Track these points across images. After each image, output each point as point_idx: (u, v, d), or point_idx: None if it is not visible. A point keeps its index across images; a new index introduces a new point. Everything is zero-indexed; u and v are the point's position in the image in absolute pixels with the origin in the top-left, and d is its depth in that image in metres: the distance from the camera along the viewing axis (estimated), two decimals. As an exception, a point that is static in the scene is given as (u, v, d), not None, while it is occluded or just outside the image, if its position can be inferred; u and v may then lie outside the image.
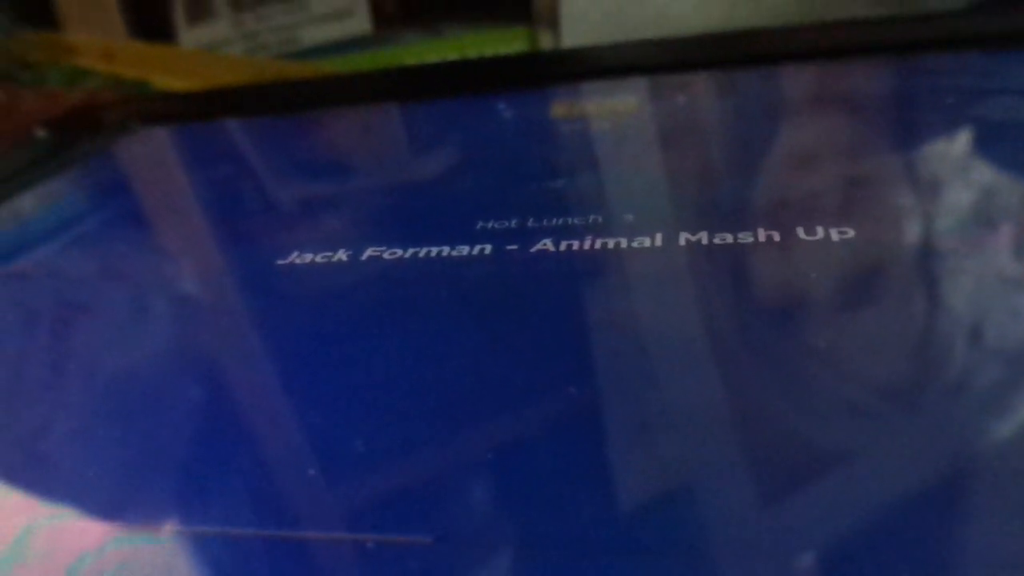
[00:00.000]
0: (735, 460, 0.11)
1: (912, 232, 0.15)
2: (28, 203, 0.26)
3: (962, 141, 0.19)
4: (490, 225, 0.18)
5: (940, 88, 0.22)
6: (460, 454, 0.11)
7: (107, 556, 0.10)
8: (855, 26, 0.26)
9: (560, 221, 0.17)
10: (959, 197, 0.16)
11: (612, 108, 0.24)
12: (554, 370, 0.13)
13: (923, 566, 0.08)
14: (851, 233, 0.15)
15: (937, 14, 0.29)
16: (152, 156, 0.29)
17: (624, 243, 0.16)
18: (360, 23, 0.45)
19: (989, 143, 0.19)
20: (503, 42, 0.40)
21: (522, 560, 0.09)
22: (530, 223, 0.18)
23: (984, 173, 0.17)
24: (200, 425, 0.13)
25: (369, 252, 0.17)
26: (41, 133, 0.31)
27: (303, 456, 0.11)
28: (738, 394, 0.12)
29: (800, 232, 0.15)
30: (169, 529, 0.11)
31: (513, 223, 0.18)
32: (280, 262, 0.18)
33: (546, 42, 0.39)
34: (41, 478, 0.12)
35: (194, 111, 0.32)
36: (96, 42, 0.40)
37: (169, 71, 0.39)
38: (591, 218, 0.17)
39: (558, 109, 0.25)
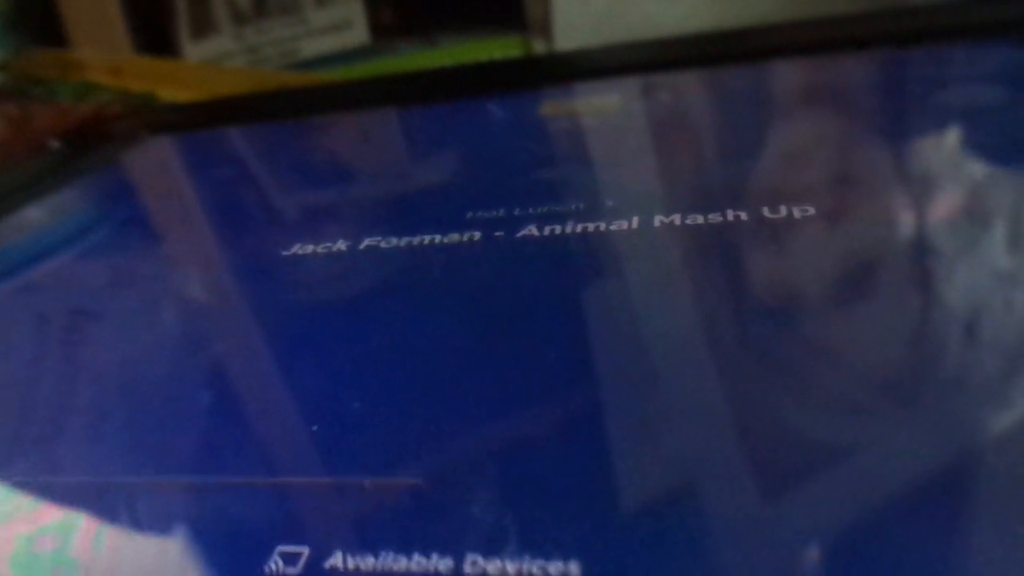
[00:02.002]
0: (716, 424, 0.12)
1: (867, 209, 0.16)
2: (45, 210, 0.27)
3: (931, 126, 0.20)
4: (479, 215, 0.19)
5: (913, 78, 0.24)
6: (449, 412, 0.12)
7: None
8: (835, 23, 0.27)
9: (544, 209, 0.19)
10: (927, 176, 0.18)
11: (597, 106, 0.25)
12: (537, 339, 0.14)
13: (920, 560, 0.08)
14: (812, 211, 0.16)
15: (913, 8, 0.30)
16: (161, 163, 0.30)
17: (603, 226, 0.17)
18: (358, 34, 0.47)
19: (956, 127, 0.20)
20: (498, 50, 0.41)
21: (505, 500, 0.10)
22: (516, 212, 0.19)
23: (951, 154, 0.18)
24: (218, 391, 0.14)
25: (367, 242, 0.19)
26: (54, 144, 0.33)
27: (308, 415, 0.13)
28: (711, 357, 0.13)
29: (765, 211, 0.17)
30: (200, 481, 0.12)
31: (501, 212, 0.19)
32: (284, 253, 0.19)
33: (540, 50, 0.40)
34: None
35: (199, 120, 0.33)
36: (104, 58, 0.41)
37: (174, 84, 0.40)
38: (573, 205, 0.19)
39: (547, 108, 0.27)
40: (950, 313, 0.13)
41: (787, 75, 0.25)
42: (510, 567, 0.09)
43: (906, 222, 0.16)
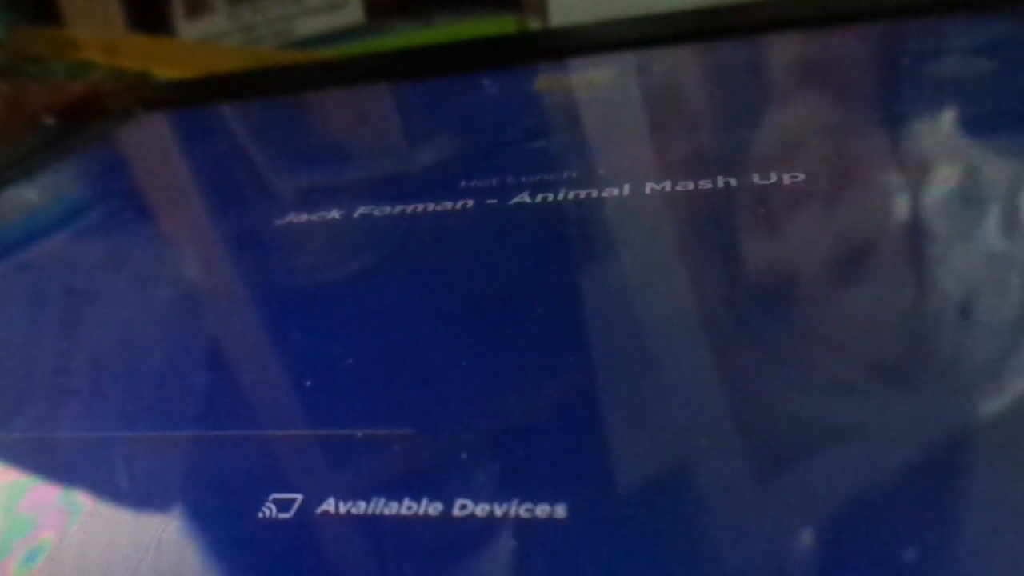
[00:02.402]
0: (705, 382, 0.12)
1: (858, 176, 0.16)
2: (39, 186, 0.27)
3: (923, 98, 0.20)
4: (472, 184, 0.19)
5: (906, 51, 0.24)
6: (441, 369, 0.13)
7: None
8: None
9: (537, 178, 0.19)
10: (919, 146, 0.18)
11: (590, 80, 0.26)
12: (528, 301, 0.14)
13: (913, 540, 0.08)
14: (801, 176, 0.16)
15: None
16: (155, 138, 0.30)
17: (595, 193, 0.17)
18: (353, 13, 0.46)
19: (948, 99, 0.20)
20: (493, 30, 0.41)
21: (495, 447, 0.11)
22: (509, 180, 0.19)
23: (942, 125, 0.18)
24: (215, 351, 0.14)
25: (360, 211, 0.19)
26: (48, 121, 0.33)
27: (302, 372, 0.13)
28: (700, 318, 0.13)
29: (755, 177, 0.17)
30: (196, 435, 0.12)
31: (494, 181, 0.19)
32: (278, 222, 0.19)
33: (535, 28, 0.40)
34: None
35: (193, 97, 0.33)
36: (98, 37, 0.41)
37: (169, 63, 0.40)
38: (565, 174, 0.19)
39: (541, 83, 0.27)
40: (940, 280, 0.13)
41: (780, 49, 0.25)
42: (498, 510, 0.10)
43: (897, 190, 0.16)
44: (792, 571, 0.08)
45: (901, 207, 0.16)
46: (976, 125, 0.18)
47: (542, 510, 0.09)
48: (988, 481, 0.09)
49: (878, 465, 0.09)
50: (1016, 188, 0.15)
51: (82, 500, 0.11)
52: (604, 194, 0.17)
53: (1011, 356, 0.11)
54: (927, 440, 0.10)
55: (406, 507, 0.10)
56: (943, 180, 0.16)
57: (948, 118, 0.18)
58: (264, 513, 0.10)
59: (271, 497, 0.10)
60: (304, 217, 0.19)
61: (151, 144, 0.30)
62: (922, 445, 0.10)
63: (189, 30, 0.44)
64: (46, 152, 0.30)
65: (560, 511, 0.09)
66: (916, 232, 0.15)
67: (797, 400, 0.11)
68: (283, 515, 0.10)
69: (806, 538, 0.09)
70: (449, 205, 0.18)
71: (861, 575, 0.08)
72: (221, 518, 0.10)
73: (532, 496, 0.10)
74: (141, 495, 0.11)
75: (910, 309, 0.13)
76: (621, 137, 0.21)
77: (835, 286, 0.14)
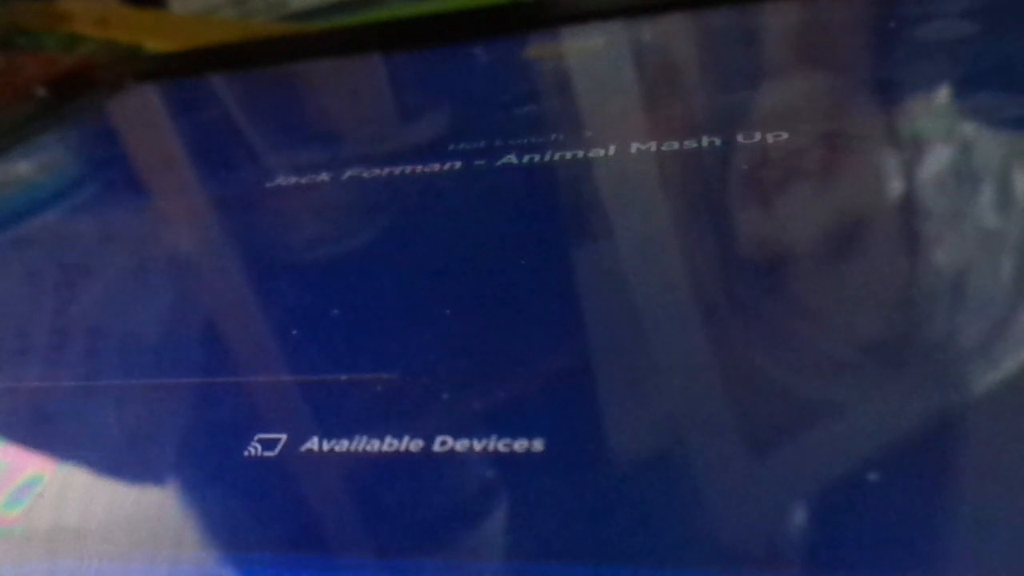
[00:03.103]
0: (690, 328, 0.12)
1: (834, 133, 0.17)
2: (31, 155, 0.27)
3: (911, 61, 0.20)
4: (460, 147, 0.19)
5: (885, 16, 0.24)
6: (426, 319, 0.13)
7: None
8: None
9: (525, 140, 0.19)
10: (906, 107, 0.18)
11: (581, 48, 0.26)
12: (512, 256, 0.14)
13: (903, 517, 0.08)
14: (785, 135, 0.17)
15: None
16: (146, 109, 0.30)
17: (581, 154, 0.18)
18: (346, -13, 0.46)
19: (922, 61, 0.20)
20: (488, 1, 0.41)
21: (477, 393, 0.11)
22: (497, 143, 0.19)
23: (914, 86, 0.19)
24: (207, 302, 0.14)
25: (349, 173, 0.19)
26: (40, 92, 0.33)
27: (288, 322, 0.13)
28: (684, 271, 0.14)
29: (740, 137, 0.17)
30: (184, 381, 0.12)
31: (482, 144, 0.19)
32: (267, 185, 0.19)
33: None
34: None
35: (184, 68, 0.33)
36: (90, 9, 0.41)
37: (161, 36, 0.40)
38: (553, 136, 0.19)
39: (531, 51, 0.27)
40: (925, 238, 0.14)
41: (768, 16, 0.25)
42: (477, 446, 0.10)
43: (880, 149, 0.16)
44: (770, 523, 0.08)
45: (885, 166, 0.16)
46: (960, 87, 0.18)
47: (520, 445, 0.10)
48: (980, 458, 0.09)
49: (867, 441, 0.09)
50: (996, 147, 0.16)
51: (76, 441, 0.11)
52: (590, 154, 0.17)
53: (1001, 325, 0.11)
54: (919, 416, 0.09)
55: (388, 444, 0.10)
56: (927, 141, 0.16)
57: (931, 80, 0.18)
58: (249, 452, 0.10)
59: (256, 437, 0.11)
60: (293, 180, 0.19)
61: (142, 115, 0.30)
62: (914, 421, 0.09)
63: (180, 3, 0.44)
64: (37, 123, 0.30)
65: (537, 445, 0.10)
66: (901, 191, 0.15)
67: (772, 348, 0.11)
68: (268, 453, 0.10)
69: (784, 495, 0.09)
70: (437, 167, 0.18)
71: (849, 549, 0.08)
72: (208, 457, 0.11)
73: (510, 432, 0.10)
74: (131, 437, 0.11)
75: (890, 265, 0.13)
76: (609, 101, 0.21)
77: (820, 244, 0.14)
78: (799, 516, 0.08)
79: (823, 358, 0.11)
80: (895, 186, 0.15)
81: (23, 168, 0.27)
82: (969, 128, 0.16)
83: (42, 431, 0.12)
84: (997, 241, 0.13)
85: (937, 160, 0.16)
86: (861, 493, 0.08)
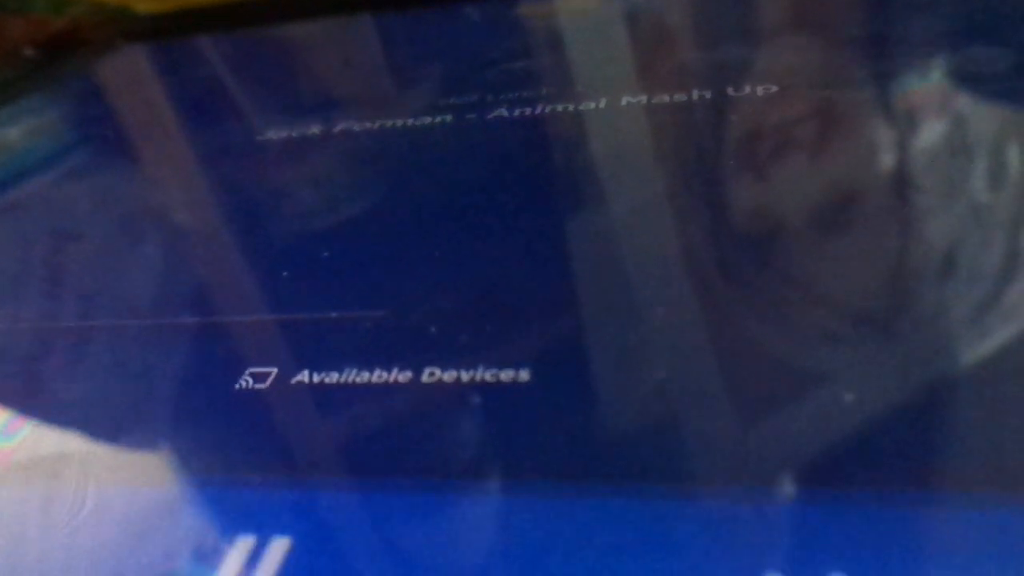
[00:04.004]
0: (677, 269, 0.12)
1: (822, 85, 0.17)
2: (19, 117, 0.27)
3: (889, 15, 0.20)
4: (451, 101, 0.19)
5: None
6: (415, 262, 0.13)
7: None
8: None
9: (516, 94, 0.19)
10: (881, 58, 0.18)
11: (576, 6, 0.26)
12: (500, 204, 0.14)
13: (892, 488, 0.08)
14: (775, 89, 0.17)
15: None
16: (135, 70, 0.30)
17: (571, 107, 0.18)
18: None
19: (913, 13, 0.20)
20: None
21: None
22: (488, 97, 0.19)
23: (904, 40, 0.19)
24: (202, 247, 0.14)
25: (340, 126, 0.19)
26: (29, 53, 0.32)
27: (282, 264, 0.13)
28: (668, 217, 0.14)
29: (729, 90, 0.17)
30: (176, 321, 0.12)
31: (474, 98, 0.19)
32: (259, 138, 0.19)
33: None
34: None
35: (174, 29, 0.33)
36: (78, -29, 0.41)
37: (151, -2, 0.39)
38: (544, 90, 0.19)
39: (525, 9, 0.27)
40: (910, 186, 0.14)
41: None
42: (465, 376, 0.10)
43: (869, 101, 0.17)
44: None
45: (875, 118, 0.16)
46: (951, 40, 0.18)
47: (506, 375, 0.10)
48: (969, 427, 0.09)
49: (857, 411, 0.09)
50: (986, 101, 0.16)
51: (74, 376, 0.11)
52: (581, 107, 0.18)
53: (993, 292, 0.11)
54: (909, 388, 0.09)
55: (377, 376, 0.10)
56: (917, 94, 0.16)
57: (921, 34, 0.18)
58: (241, 384, 0.11)
59: (248, 371, 0.11)
60: (284, 133, 0.19)
61: (132, 75, 0.30)
62: (904, 392, 0.09)
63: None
64: (27, 83, 0.30)
65: (524, 375, 0.10)
66: (891, 144, 0.15)
67: (754, 285, 0.11)
68: (259, 385, 0.10)
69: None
70: (428, 120, 0.18)
71: (838, 516, 0.08)
72: (200, 389, 0.11)
73: (497, 363, 0.10)
74: (125, 373, 0.11)
75: (881, 215, 0.13)
76: (600, 57, 0.21)
77: (809, 195, 0.14)
78: (767, 430, 0.08)
79: (804, 298, 0.11)
80: (885, 139, 0.15)
81: (12, 130, 0.27)
82: (959, 81, 0.16)
83: (41, 366, 0.12)
84: (988, 197, 0.13)
85: (926, 113, 0.16)
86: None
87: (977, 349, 0.10)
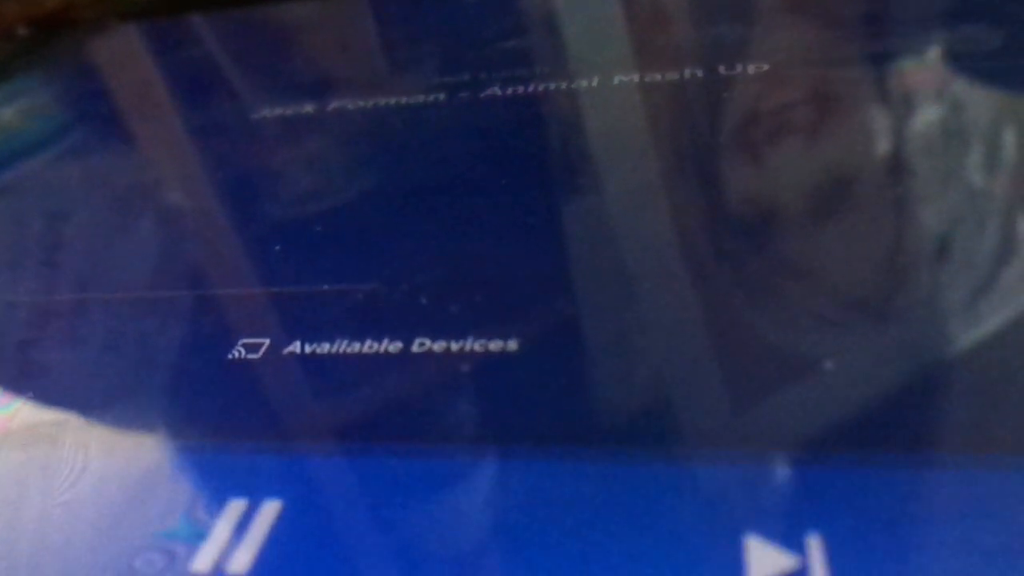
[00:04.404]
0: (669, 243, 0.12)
1: (813, 63, 0.17)
2: (17, 93, 0.27)
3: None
4: (445, 79, 0.19)
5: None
6: (407, 235, 0.13)
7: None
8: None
9: (509, 73, 0.19)
10: (873, 35, 0.18)
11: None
12: (491, 176, 0.14)
13: (886, 470, 0.08)
14: (766, 67, 0.17)
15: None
16: (129, 48, 0.30)
17: (564, 85, 0.18)
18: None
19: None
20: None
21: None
22: (481, 75, 0.19)
23: (897, 16, 0.19)
24: (196, 222, 0.15)
25: (334, 104, 0.19)
26: (22, 32, 0.32)
27: (274, 238, 0.13)
28: (658, 193, 0.14)
29: (721, 69, 0.17)
30: (169, 295, 0.12)
31: (466, 76, 0.19)
32: (253, 116, 0.19)
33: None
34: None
35: (167, 8, 0.33)
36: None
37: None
38: (537, 68, 0.19)
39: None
40: (898, 156, 0.14)
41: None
42: (454, 346, 0.10)
43: (861, 77, 0.17)
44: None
45: (867, 96, 0.16)
46: (944, 19, 0.18)
47: (495, 345, 0.10)
48: (946, 394, 0.09)
49: (836, 380, 0.09)
50: (980, 77, 0.16)
51: (70, 347, 0.12)
52: (573, 86, 0.18)
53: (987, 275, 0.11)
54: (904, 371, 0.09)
55: (368, 346, 0.10)
56: (909, 71, 0.16)
57: (914, 11, 0.19)
58: (233, 355, 0.11)
59: (240, 342, 0.11)
60: (279, 111, 0.19)
61: (125, 54, 0.30)
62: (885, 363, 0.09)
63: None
64: (20, 62, 0.30)
65: (512, 345, 0.10)
66: (883, 121, 0.15)
67: (741, 259, 0.11)
68: (251, 356, 0.11)
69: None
70: (421, 98, 0.18)
71: (816, 480, 0.08)
72: (193, 360, 0.11)
73: (486, 333, 0.10)
74: (121, 344, 0.12)
75: (873, 189, 0.13)
76: (593, 35, 0.21)
77: (800, 173, 0.14)
78: (748, 397, 0.09)
79: (788, 270, 0.11)
80: (877, 117, 0.15)
81: (6, 111, 0.27)
82: (952, 60, 0.17)
83: (38, 338, 0.12)
84: (982, 176, 0.13)
85: (920, 92, 0.16)
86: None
87: (966, 330, 0.10)
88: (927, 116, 0.15)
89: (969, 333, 0.10)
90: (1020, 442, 0.08)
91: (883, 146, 0.14)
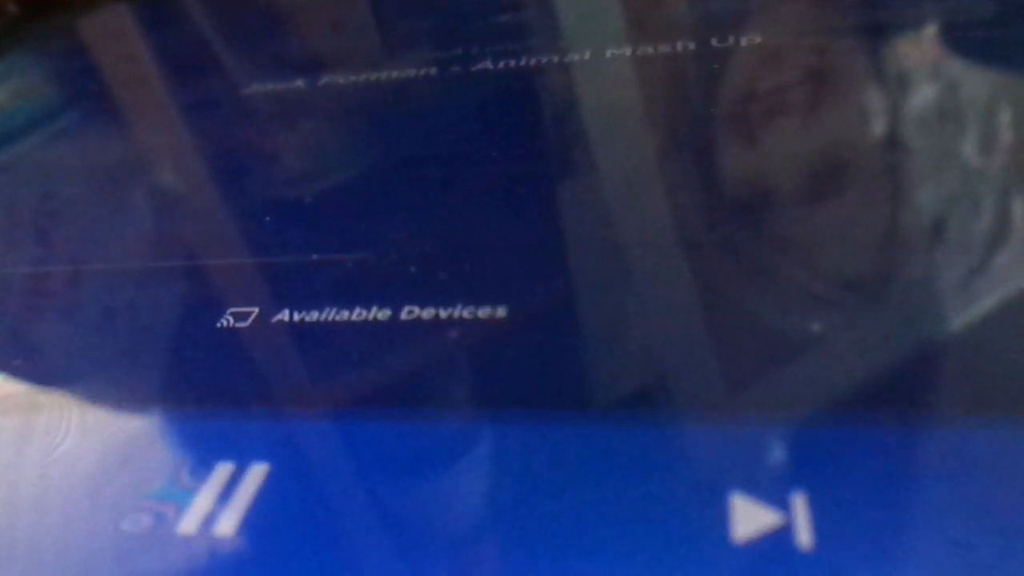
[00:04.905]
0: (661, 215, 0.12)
1: (804, 35, 0.17)
2: (10, 69, 0.27)
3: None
4: (437, 54, 0.19)
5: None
6: (395, 204, 0.13)
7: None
8: None
9: (500, 47, 0.19)
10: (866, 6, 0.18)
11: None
12: (481, 149, 0.14)
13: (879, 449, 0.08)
14: (758, 39, 0.17)
15: None
16: (120, 27, 0.30)
17: (556, 59, 0.18)
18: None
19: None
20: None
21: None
22: (473, 50, 0.19)
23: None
24: (189, 194, 0.15)
25: (324, 80, 0.19)
26: (12, 9, 0.32)
27: (264, 210, 0.13)
28: (648, 164, 0.14)
29: (714, 41, 0.17)
30: (158, 265, 0.12)
31: (458, 51, 0.19)
32: (244, 91, 0.19)
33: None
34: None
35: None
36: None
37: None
38: (529, 42, 0.19)
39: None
40: (888, 128, 0.14)
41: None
42: (443, 314, 0.10)
43: (852, 49, 0.17)
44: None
45: (858, 67, 0.16)
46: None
47: (484, 312, 0.10)
48: (947, 378, 0.09)
49: (822, 345, 0.09)
50: (971, 49, 0.16)
51: (63, 316, 0.12)
52: (565, 59, 0.17)
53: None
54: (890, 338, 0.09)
55: (356, 314, 0.10)
56: (901, 42, 0.16)
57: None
58: (222, 324, 0.11)
59: (229, 311, 0.11)
60: (270, 87, 0.19)
61: (116, 31, 0.30)
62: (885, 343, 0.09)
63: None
64: (10, 41, 0.30)
65: (500, 312, 0.10)
66: (874, 92, 0.15)
67: (726, 224, 0.11)
68: (240, 324, 0.11)
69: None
70: (412, 72, 0.18)
71: (800, 440, 0.08)
72: (182, 328, 0.11)
73: (475, 300, 0.10)
74: (111, 313, 0.12)
75: (856, 159, 0.13)
76: (585, 8, 0.21)
77: (792, 143, 0.14)
78: (731, 359, 0.09)
79: (777, 235, 0.11)
80: (868, 87, 0.15)
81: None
82: (947, 29, 0.16)
83: (28, 307, 0.12)
84: (974, 149, 0.13)
85: (913, 64, 0.16)
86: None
87: (955, 300, 0.10)
88: (921, 89, 0.15)
89: (958, 302, 0.10)
90: (1002, 403, 0.08)
91: (877, 118, 0.14)
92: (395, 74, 0.18)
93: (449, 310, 0.10)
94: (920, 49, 0.16)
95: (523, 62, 0.18)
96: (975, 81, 0.15)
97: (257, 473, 0.08)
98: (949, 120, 0.14)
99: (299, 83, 0.19)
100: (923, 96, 0.15)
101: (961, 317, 0.09)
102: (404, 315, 0.10)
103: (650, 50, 0.17)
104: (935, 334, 0.09)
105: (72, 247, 0.14)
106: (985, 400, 0.08)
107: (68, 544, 0.08)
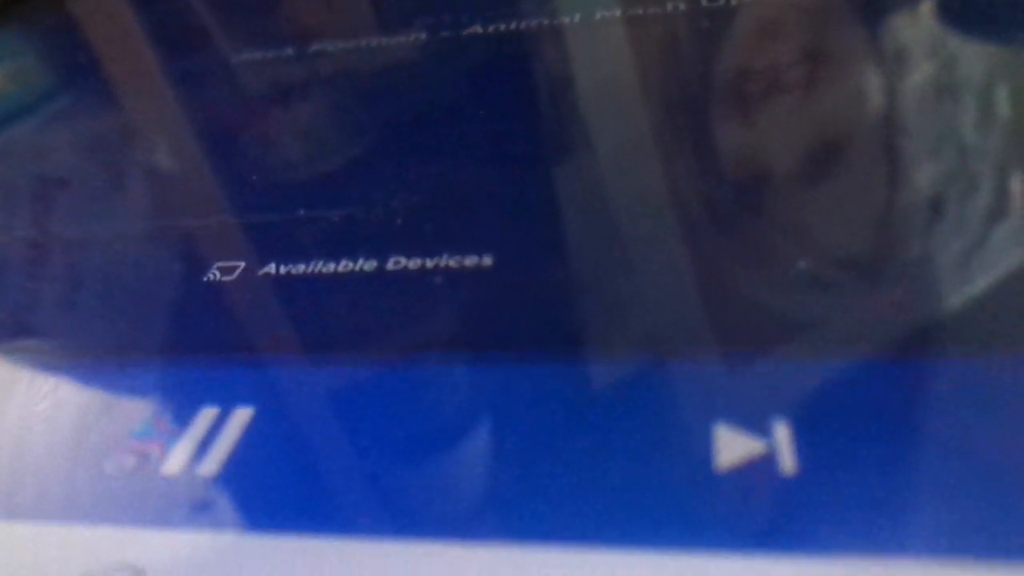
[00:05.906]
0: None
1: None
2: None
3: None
4: (427, 19, 0.19)
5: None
6: (380, 162, 0.13)
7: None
8: None
9: (492, 12, 0.19)
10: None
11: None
12: (469, 109, 0.14)
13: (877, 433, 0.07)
14: (749, -2, 0.17)
15: None
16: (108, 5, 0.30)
17: (546, 22, 0.17)
18: None
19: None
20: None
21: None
22: (463, 15, 0.19)
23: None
24: (178, 157, 0.14)
25: (315, 47, 0.19)
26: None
27: (250, 169, 0.13)
28: (637, 123, 0.14)
29: (704, 0, 0.17)
30: (147, 226, 0.12)
31: (448, 16, 0.19)
32: (234, 60, 0.19)
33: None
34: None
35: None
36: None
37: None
38: (519, 6, 0.19)
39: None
40: (884, 105, 0.14)
41: None
42: (429, 263, 0.10)
43: (847, 9, 0.16)
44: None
45: (851, 28, 0.16)
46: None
47: (470, 261, 0.10)
48: (954, 375, 0.08)
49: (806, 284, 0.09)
50: (968, 21, 0.16)
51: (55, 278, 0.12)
52: (555, 22, 0.17)
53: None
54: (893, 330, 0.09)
55: (343, 266, 0.10)
56: (893, 6, 0.16)
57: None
58: (209, 277, 0.11)
59: (215, 265, 0.11)
60: (259, 55, 0.19)
61: (105, 6, 0.30)
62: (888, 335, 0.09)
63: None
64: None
65: (487, 260, 0.10)
66: (866, 51, 0.15)
67: (716, 178, 0.11)
68: (226, 278, 0.11)
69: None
70: (403, 38, 0.18)
71: (781, 373, 0.08)
72: (169, 282, 0.11)
73: (461, 250, 0.10)
74: (102, 271, 0.12)
75: (840, 118, 0.13)
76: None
77: (782, 102, 0.14)
78: (714, 298, 0.09)
79: (764, 180, 0.11)
80: (860, 46, 0.15)
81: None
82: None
83: (26, 265, 0.12)
84: (970, 120, 0.13)
85: (902, 23, 0.16)
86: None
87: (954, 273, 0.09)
88: (912, 48, 0.15)
89: (955, 278, 0.09)
90: (984, 342, 0.08)
91: (873, 82, 0.14)
92: (385, 40, 0.18)
93: (436, 259, 0.10)
94: (916, 10, 0.16)
95: (513, 25, 0.18)
96: (971, 49, 0.15)
97: (242, 416, 0.08)
98: (940, 77, 0.14)
99: (289, 51, 0.19)
100: (915, 56, 0.15)
101: (958, 289, 0.09)
102: (391, 265, 0.10)
103: (640, 11, 0.17)
104: (926, 285, 0.09)
105: (63, 209, 0.14)
106: (966, 337, 0.08)
107: (51, 485, 0.08)
